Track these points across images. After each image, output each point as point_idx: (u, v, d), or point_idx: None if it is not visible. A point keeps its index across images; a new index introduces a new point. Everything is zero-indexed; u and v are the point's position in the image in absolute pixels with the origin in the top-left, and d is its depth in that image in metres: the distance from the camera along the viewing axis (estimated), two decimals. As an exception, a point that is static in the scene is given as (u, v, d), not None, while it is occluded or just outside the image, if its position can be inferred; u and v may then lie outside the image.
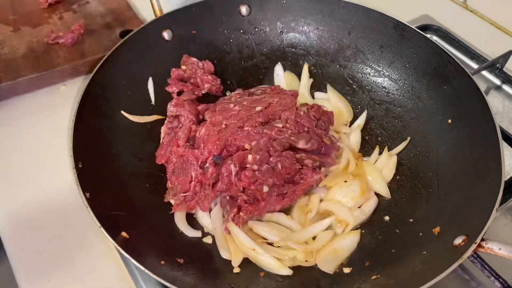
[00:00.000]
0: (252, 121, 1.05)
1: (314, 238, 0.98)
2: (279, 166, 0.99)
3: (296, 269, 0.93)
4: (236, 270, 0.92)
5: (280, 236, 0.96)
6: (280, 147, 1.02)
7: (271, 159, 1.00)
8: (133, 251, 0.81)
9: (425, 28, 1.48)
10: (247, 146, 1.01)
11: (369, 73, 1.25)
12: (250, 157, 0.99)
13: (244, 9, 1.28)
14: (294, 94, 1.16)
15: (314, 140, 1.06)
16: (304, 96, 1.24)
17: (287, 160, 1.00)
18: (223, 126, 1.05)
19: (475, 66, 1.37)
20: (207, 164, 1.00)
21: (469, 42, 1.43)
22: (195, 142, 1.07)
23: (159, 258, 0.86)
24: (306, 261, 0.93)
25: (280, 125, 1.05)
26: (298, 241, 0.96)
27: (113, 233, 0.83)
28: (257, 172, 0.98)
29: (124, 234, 0.86)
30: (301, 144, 1.04)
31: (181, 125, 1.11)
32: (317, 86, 1.28)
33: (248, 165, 0.99)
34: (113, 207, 0.91)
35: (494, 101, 1.29)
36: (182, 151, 1.03)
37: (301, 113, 1.09)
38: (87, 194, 0.88)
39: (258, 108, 1.09)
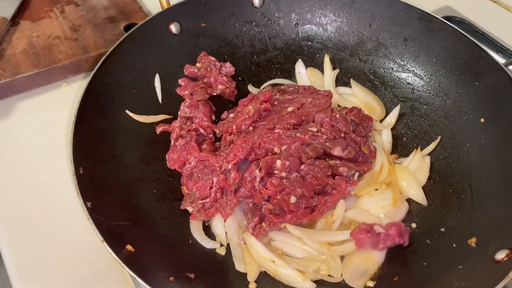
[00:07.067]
0: (283, 123, 0.99)
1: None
2: (310, 175, 0.92)
3: (319, 283, 0.87)
4: (252, 285, 0.87)
5: (302, 250, 0.90)
6: (314, 153, 0.95)
7: (302, 167, 0.94)
8: (139, 267, 0.77)
9: (446, 20, 1.41)
10: (276, 149, 0.95)
11: (392, 68, 1.20)
12: (278, 162, 0.92)
13: (256, 0, 1.24)
14: (329, 95, 1.10)
15: (351, 147, 0.99)
16: (332, 91, 1.16)
17: (319, 171, 0.93)
18: (251, 128, 1.00)
19: (502, 60, 1.31)
20: (230, 167, 0.94)
21: (494, 35, 1.38)
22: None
23: (168, 273, 0.82)
24: (329, 275, 0.88)
25: (315, 129, 0.99)
26: (313, 238, 0.90)
27: (117, 247, 0.79)
28: (284, 180, 0.91)
29: (129, 247, 0.82)
30: (336, 152, 0.98)
31: (194, 126, 1.07)
32: (336, 81, 1.23)
33: (275, 172, 0.93)
34: (117, 216, 0.87)
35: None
36: (205, 156, 0.98)
37: (337, 116, 1.02)
38: (89, 204, 0.83)
39: (290, 109, 1.03)
